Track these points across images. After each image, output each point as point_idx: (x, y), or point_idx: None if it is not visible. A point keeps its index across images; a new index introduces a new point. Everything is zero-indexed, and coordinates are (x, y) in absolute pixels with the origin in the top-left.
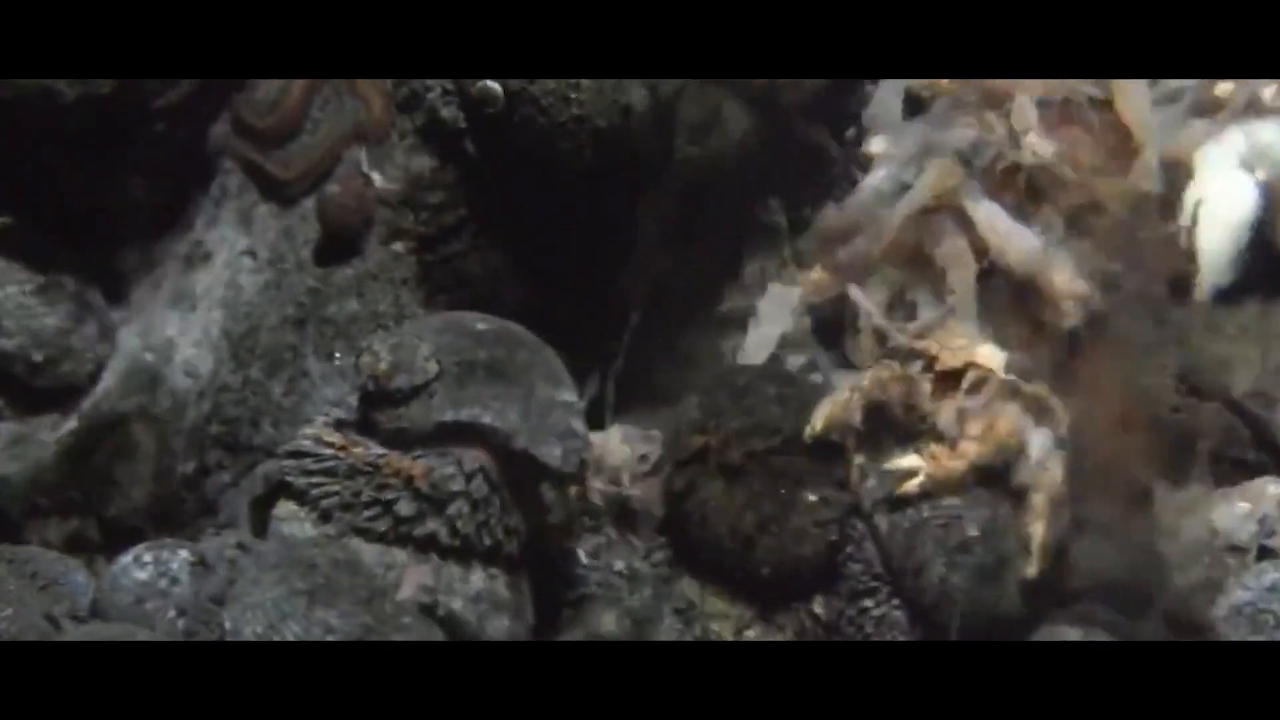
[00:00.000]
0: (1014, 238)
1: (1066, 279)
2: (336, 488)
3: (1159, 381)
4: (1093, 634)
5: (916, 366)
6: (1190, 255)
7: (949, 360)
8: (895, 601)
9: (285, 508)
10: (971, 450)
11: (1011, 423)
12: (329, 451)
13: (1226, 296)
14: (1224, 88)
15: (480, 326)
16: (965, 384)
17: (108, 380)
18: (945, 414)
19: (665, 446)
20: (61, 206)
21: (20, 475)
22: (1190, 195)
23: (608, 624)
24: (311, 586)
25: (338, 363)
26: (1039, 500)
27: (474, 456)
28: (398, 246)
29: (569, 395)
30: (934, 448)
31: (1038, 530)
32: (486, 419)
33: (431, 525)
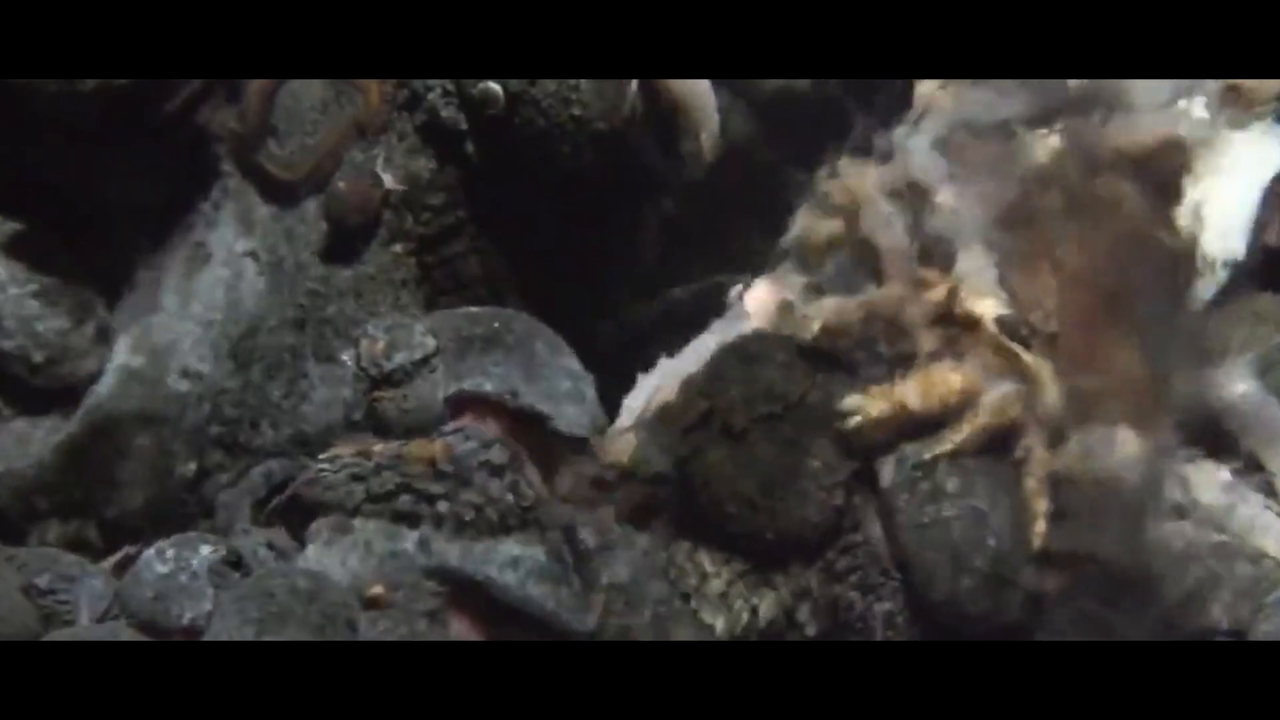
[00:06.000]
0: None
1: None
2: (364, 488)
3: (1175, 367)
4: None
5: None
6: (1194, 247)
7: (943, 295)
8: (899, 600)
9: (314, 525)
10: (910, 398)
11: (965, 379)
12: (351, 460)
13: (1234, 288)
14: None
15: (473, 310)
16: (950, 323)
17: (107, 381)
18: (924, 346)
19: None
20: (63, 207)
21: (19, 476)
22: (1194, 189)
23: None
24: (262, 615)
25: (351, 366)
26: (974, 427)
27: (489, 428)
28: (397, 248)
29: (574, 364)
30: (875, 389)
31: (954, 438)
32: (489, 385)
33: (467, 497)
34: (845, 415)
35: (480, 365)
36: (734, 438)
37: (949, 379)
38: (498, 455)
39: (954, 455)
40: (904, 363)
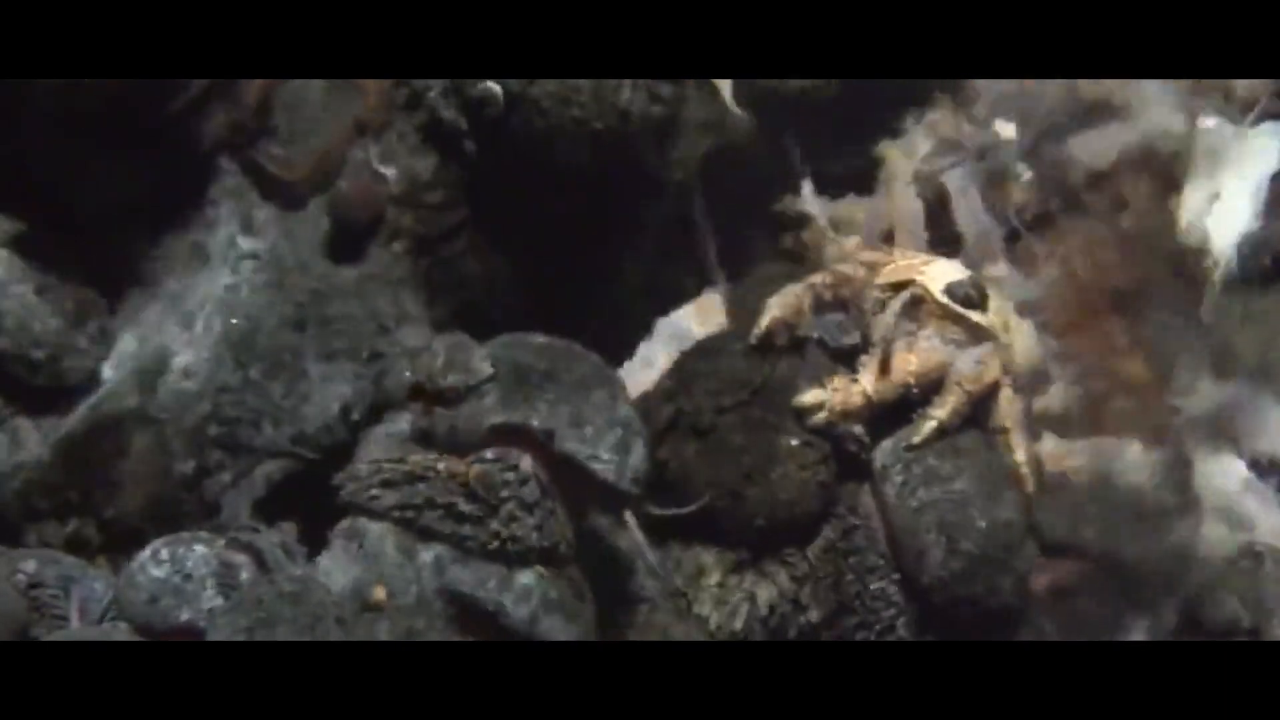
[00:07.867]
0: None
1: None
2: (395, 495)
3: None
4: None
5: (872, 274)
6: (1204, 245)
7: (893, 272)
8: (896, 577)
9: (336, 527)
10: (869, 385)
11: (926, 358)
12: (386, 465)
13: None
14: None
15: (543, 341)
16: (900, 300)
17: (107, 381)
18: (879, 329)
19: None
20: (63, 207)
21: (18, 476)
22: (1196, 189)
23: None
24: (251, 624)
25: (408, 377)
26: (957, 397)
27: (528, 460)
28: (397, 247)
29: (629, 413)
30: (836, 380)
31: (938, 414)
32: (534, 422)
33: (492, 525)
34: (810, 411)
35: (531, 400)
36: (705, 432)
37: (908, 357)
38: (530, 491)
39: (941, 431)
40: (864, 343)
